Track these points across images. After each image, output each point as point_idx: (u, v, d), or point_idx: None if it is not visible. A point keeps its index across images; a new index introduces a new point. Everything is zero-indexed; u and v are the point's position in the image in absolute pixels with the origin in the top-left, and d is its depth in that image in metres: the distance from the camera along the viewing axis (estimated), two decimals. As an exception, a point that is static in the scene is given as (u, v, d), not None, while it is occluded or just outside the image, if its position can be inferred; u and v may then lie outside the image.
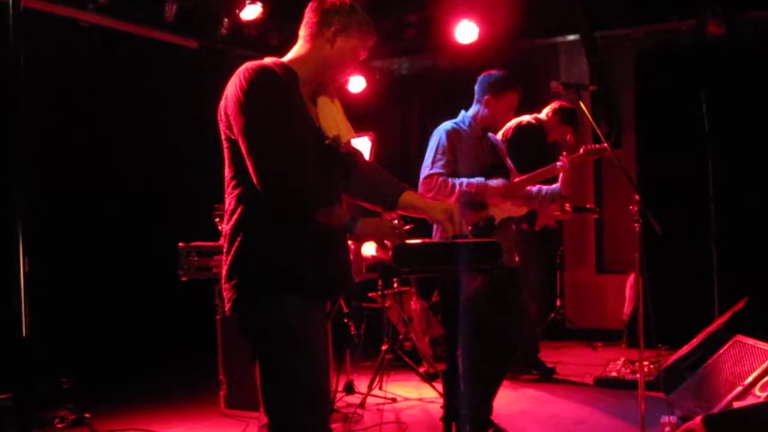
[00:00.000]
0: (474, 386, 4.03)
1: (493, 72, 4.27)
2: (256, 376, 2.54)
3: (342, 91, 7.28)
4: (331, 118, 2.63)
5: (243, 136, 2.42)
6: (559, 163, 4.33)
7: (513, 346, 4.36)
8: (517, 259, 4.26)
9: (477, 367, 4.00)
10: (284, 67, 2.56)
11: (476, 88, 4.28)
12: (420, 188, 4.09)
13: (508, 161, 4.41)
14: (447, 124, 4.20)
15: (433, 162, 4.10)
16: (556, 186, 4.38)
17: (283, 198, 2.41)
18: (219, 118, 2.54)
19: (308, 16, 2.65)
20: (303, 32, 2.66)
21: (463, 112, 4.30)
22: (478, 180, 4.04)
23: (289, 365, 2.48)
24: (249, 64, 2.50)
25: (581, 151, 4.42)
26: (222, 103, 2.53)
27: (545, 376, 5.84)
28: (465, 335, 3.96)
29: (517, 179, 4.28)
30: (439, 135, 4.15)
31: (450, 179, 4.03)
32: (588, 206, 6.50)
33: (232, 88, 2.47)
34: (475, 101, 4.27)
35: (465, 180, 4.03)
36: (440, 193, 4.01)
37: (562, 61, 7.81)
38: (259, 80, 2.44)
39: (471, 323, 3.95)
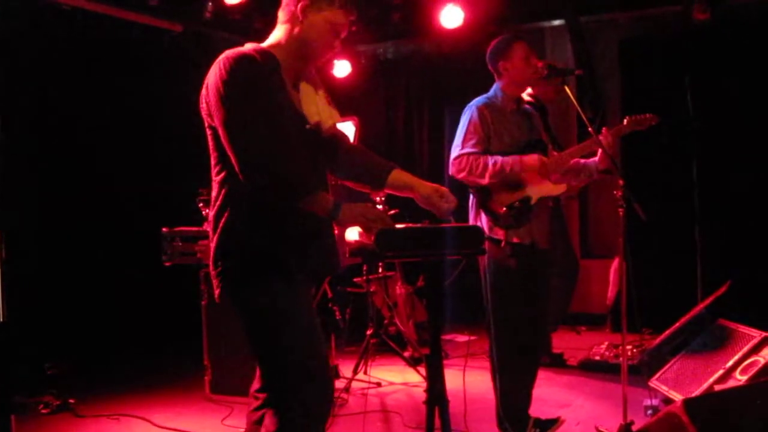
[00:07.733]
0: (509, 378, 3.95)
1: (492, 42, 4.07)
2: (253, 357, 2.56)
3: (326, 75, 7.29)
4: (313, 104, 2.62)
5: (223, 127, 2.41)
6: (601, 137, 4.04)
7: (546, 332, 4.19)
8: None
9: (510, 357, 3.91)
10: (265, 53, 2.53)
11: (489, 66, 4.04)
12: (450, 169, 3.88)
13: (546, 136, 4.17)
14: (479, 100, 3.97)
15: (464, 141, 3.87)
16: (593, 160, 4.17)
17: (265, 188, 2.42)
18: (201, 106, 2.53)
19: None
20: (279, 16, 2.65)
21: (495, 85, 4.05)
22: (512, 157, 3.82)
23: (282, 343, 2.50)
24: (229, 53, 2.47)
25: (625, 122, 4.18)
26: (203, 91, 2.51)
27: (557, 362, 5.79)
28: (497, 325, 3.92)
29: (555, 154, 4.03)
30: (470, 112, 3.92)
31: (482, 156, 3.81)
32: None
33: (212, 77, 2.46)
34: (496, 78, 4.04)
35: (498, 157, 3.80)
36: (472, 173, 3.80)
37: (548, 46, 7.79)
38: (239, 69, 2.42)
39: (501, 313, 3.89)
